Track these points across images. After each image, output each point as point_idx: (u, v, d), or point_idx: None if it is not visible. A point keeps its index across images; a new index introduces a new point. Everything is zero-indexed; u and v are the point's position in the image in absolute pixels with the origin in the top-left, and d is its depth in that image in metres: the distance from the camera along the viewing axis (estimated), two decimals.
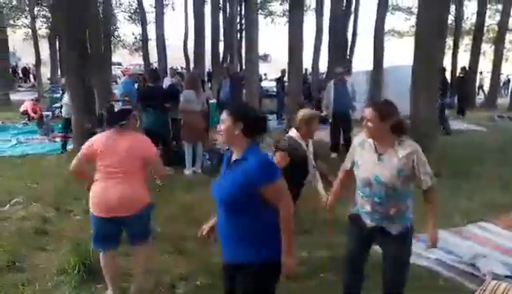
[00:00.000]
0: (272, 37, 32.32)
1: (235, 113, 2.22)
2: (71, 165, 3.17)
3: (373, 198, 2.62)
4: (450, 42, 21.21)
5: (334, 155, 8.08)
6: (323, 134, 9.34)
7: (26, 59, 33.62)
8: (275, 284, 2.27)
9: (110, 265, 3.23)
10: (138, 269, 3.34)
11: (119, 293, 3.29)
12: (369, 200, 2.65)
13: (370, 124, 2.54)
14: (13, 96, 17.50)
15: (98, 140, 3.13)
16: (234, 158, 2.26)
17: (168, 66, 22.61)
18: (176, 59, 30.22)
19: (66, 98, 8.45)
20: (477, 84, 19.16)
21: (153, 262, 3.60)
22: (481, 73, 22.00)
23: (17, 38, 27.18)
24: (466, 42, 23.02)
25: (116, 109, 3.16)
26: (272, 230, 2.17)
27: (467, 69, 16.91)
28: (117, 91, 10.28)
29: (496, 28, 20.16)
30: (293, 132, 3.83)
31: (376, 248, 2.83)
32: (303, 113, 3.82)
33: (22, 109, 12.91)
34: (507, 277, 3.51)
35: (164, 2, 23.52)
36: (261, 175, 2.13)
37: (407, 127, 2.63)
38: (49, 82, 23.83)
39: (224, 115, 2.25)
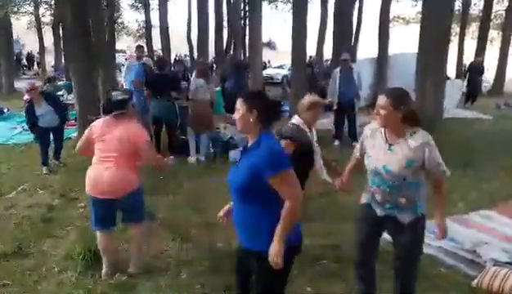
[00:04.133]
0: (278, 24, 32.02)
1: (250, 101, 2.22)
2: (77, 146, 3.49)
3: (383, 188, 2.58)
4: (457, 28, 20.90)
5: (336, 143, 8.07)
6: (326, 121, 9.33)
7: (30, 46, 33.57)
8: (289, 269, 2.27)
9: (106, 244, 3.43)
10: (134, 248, 3.56)
11: (112, 271, 3.44)
12: (379, 189, 2.60)
13: (382, 112, 2.47)
14: (17, 84, 17.47)
15: (96, 126, 3.37)
16: (249, 145, 2.27)
17: (172, 53, 22.43)
18: (180, 45, 30.09)
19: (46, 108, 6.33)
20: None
21: (148, 242, 3.75)
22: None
23: (21, 26, 27.13)
24: (473, 28, 22.69)
25: (114, 99, 3.33)
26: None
27: (474, 57, 16.72)
28: (122, 78, 10.24)
29: (504, 15, 19.85)
30: (296, 119, 3.83)
31: (386, 238, 2.80)
32: (307, 98, 3.84)
33: (26, 96, 12.87)
34: (508, 263, 3.50)
35: None
36: (269, 164, 2.11)
37: (420, 118, 2.52)
38: (53, 69, 23.84)
39: (239, 103, 2.23)
